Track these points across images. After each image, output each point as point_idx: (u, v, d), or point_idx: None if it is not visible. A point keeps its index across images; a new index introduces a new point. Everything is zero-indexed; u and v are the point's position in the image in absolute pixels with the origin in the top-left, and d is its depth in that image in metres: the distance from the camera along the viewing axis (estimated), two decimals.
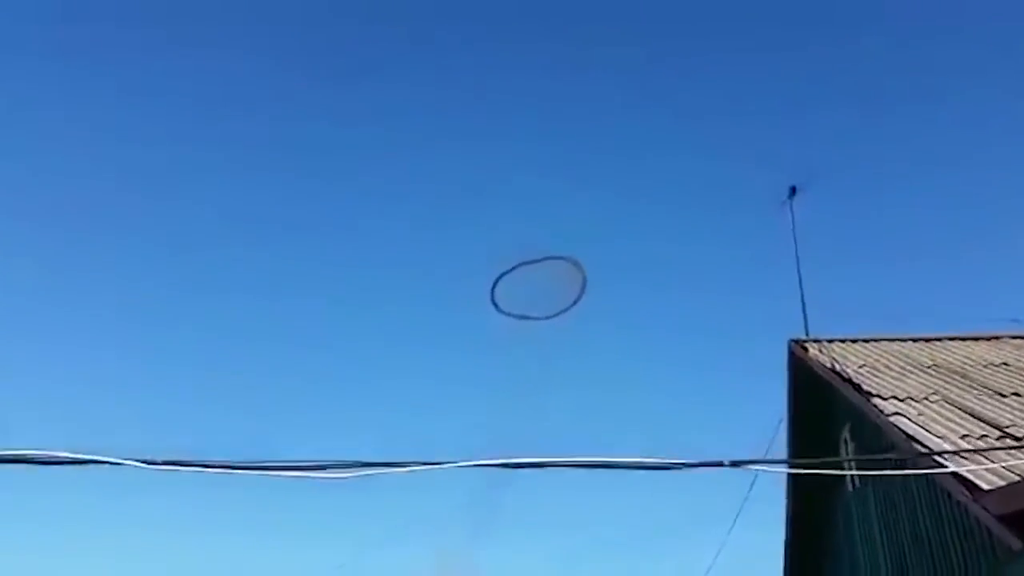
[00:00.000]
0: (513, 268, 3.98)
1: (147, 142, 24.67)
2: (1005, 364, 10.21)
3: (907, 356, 11.25)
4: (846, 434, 10.72)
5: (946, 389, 9.11)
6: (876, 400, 8.64)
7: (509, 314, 3.98)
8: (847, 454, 10.66)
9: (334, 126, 26.98)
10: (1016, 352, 11.09)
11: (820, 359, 10.89)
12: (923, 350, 11.62)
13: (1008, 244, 25.75)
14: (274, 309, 26.71)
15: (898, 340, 12.08)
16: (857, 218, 25.90)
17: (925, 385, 9.29)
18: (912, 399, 8.63)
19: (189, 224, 25.96)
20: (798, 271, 13.17)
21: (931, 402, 8.60)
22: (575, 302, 4.09)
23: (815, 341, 11.54)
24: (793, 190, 14.64)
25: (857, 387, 9.21)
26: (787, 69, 27.26)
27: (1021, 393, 8.71)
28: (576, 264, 4.15)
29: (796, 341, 11.62)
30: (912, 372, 10.21)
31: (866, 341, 12.06)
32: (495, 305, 3.89)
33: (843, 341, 11.83)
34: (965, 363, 10.64)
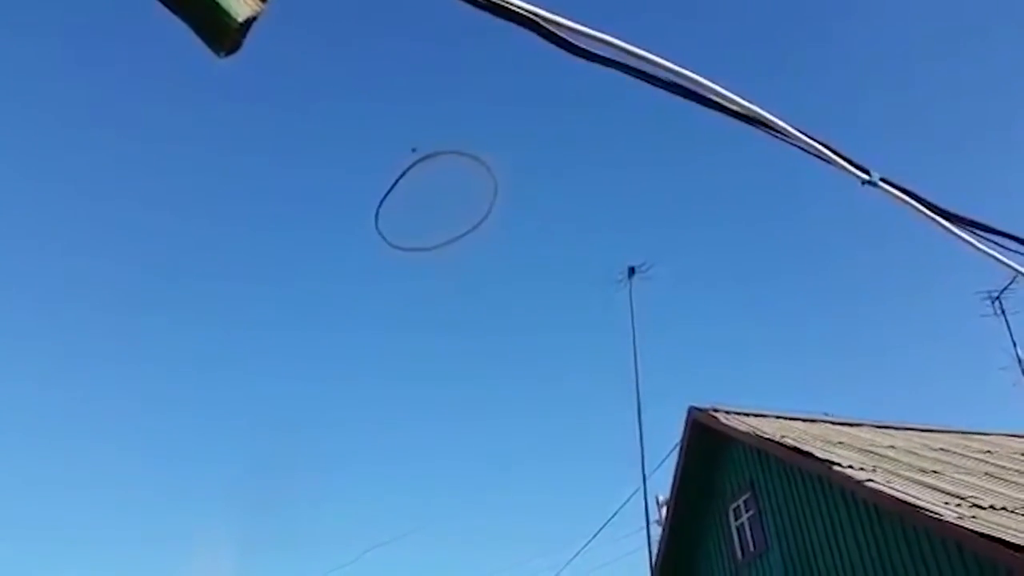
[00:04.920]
0: (397, 181, 2.82)
1: None
2: (892, 447, 10.36)
3: (813, 433, 10.76)
4: (740, 503, 10.33)
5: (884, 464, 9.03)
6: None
7: (401, 248, 2.89)
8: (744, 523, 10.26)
9: None
10: (904, 439, 11.19)
11: (737, 425, 10.38)
12: (818, 429, 11.19)
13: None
14: None
15: (782, 417, 11.55)
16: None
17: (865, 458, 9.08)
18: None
19: None
20: (634, 345, 12.75)
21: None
22: (486, 216, 2.89)
23: (715, 410, 10.96)
24: (632, 270, 14.44)
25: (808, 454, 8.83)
26: None
27: (943, 472, 8.85)
28: (480, 161, 2.94)
29: (699, 409, 11.11)
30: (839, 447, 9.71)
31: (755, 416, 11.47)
32: (383, 238, 2.82)
33: (738, 413, 11.25)
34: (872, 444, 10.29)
